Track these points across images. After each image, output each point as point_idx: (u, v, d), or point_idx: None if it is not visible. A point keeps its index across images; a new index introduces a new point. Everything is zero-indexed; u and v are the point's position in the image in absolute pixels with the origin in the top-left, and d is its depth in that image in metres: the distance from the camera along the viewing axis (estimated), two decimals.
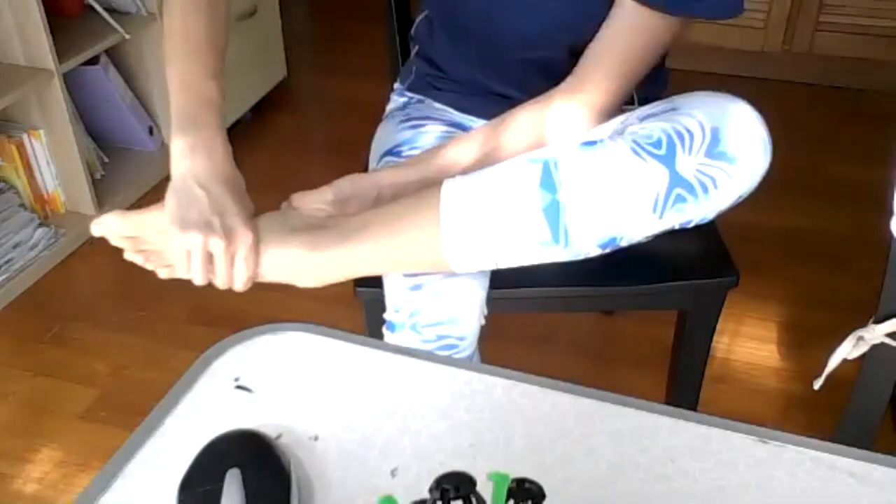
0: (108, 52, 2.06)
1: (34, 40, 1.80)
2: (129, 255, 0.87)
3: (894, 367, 0.93)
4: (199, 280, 0.82)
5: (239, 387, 0.65)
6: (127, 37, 2.00)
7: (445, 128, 1.08)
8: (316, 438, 0.60)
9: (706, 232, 1.10)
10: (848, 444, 0.59)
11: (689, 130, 0.78)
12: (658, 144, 0.78)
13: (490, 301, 0.96)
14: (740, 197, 0.81)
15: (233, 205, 0.82)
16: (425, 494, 0.54)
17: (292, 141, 2.46)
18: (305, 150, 2.42)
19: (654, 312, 1.22)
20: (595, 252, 0.83)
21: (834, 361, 0.92)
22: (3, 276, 1.82)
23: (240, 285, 0.83)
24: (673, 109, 0.81)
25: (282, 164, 2.29)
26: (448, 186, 0.83)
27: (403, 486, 0.57)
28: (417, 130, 1.08)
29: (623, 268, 1.05)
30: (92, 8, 2.02)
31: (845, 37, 2.40)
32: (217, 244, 0.80)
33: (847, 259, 1.88)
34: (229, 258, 0.81)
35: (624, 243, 0.83)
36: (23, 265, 1.86)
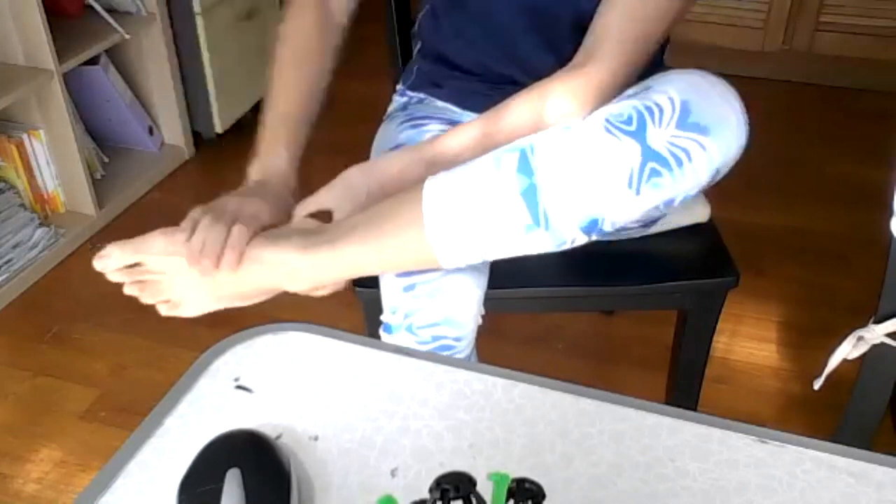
0: (108, 52, 2.06)
1: (34, 40, 1.80)
2: (128, 290, 0.90)
3: (894, 367, 0.93)
4: (195, 244, 0.82)
5: (239, 387, 0.65)
6: (127, 37, 2.01)
7: (446, 127, 1.08)
8: (316, 438, 0.60)
9: (706, 232, 1.10)
10: (848, 444, 0.59)
11: (658, 105, 0.78)
12: (629, 121, 0.78)
13: (489, 301, 0.95)
14: (717, 171, 0.81)
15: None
16: (425, 494, 0.54)
17: None
18: (305, 151, 2.41)
19: (654, 312, 1.22)
20: (580, 237, 0.82)
21: (834, 361, 0.92)
22: (3, 276, 1.82)
23: (231, 263, 0.83)
24: (646, 88, 0.82)
25: None
26: (430, 182, 0.83)
27: (403, 486, 0.57)
28: (418, 130, 1.08)
29: (623, 268, 1.05)
30: (92, 8, 2.03)
31: (845, 37, 2.40)
32: (215, 217, 0.84)
33: (847, 259, 1.88)
34: (224, 226, 0.83)
35: (608, 227, 0.82)
36: (23, 265, 1.86)
